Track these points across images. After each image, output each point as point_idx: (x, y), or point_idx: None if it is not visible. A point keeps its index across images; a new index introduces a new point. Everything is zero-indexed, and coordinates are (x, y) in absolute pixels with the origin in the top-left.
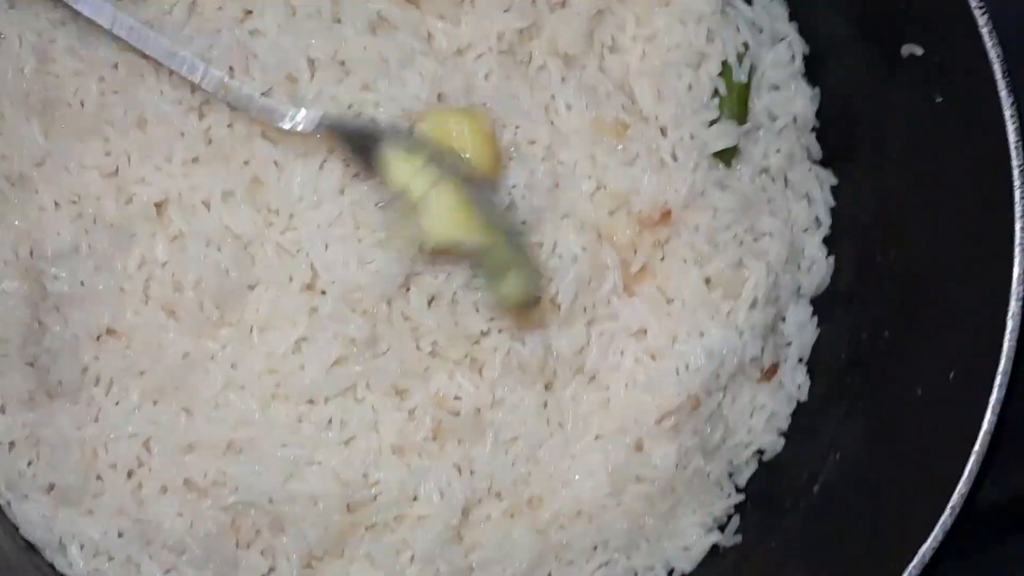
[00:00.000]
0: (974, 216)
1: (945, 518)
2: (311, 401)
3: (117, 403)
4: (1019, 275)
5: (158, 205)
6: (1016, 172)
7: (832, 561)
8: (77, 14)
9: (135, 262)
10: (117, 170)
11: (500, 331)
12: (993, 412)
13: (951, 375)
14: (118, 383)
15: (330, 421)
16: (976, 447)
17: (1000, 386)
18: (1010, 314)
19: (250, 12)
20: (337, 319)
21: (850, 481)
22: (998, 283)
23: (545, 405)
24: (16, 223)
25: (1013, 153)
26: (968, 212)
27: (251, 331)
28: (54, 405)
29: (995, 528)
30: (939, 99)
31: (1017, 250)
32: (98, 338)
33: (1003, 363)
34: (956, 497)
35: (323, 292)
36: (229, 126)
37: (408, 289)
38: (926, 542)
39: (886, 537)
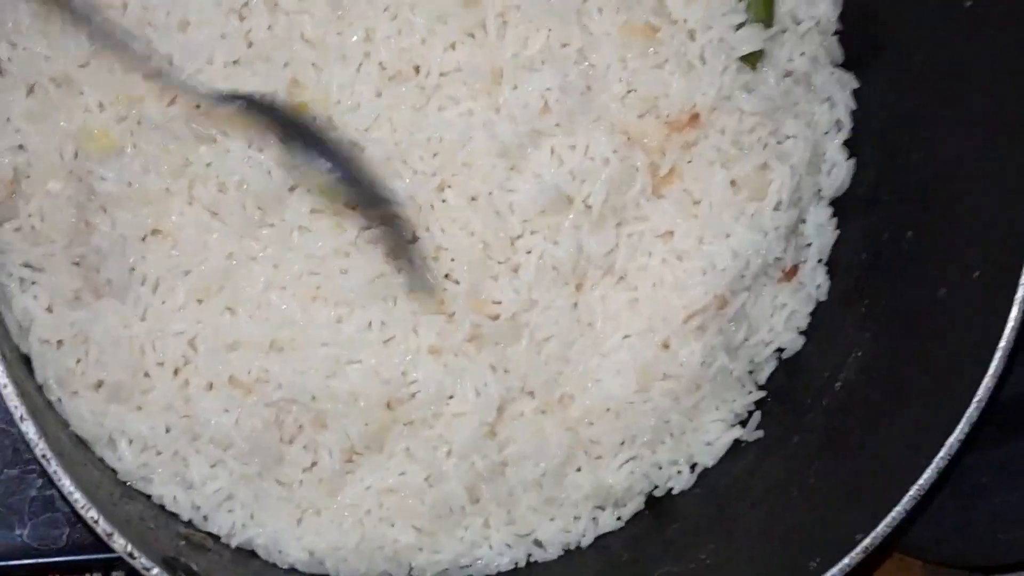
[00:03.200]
0: (999, 119)
1: (971, 411)
2: (350, 304)
3: (164, 302)
4: None
5: (199, 106)
6: None
7: (855, 456)
8: None
9: (180, 163)
10: (160, 72)
11: (533, 232)
12: (1019, 307)
13: (975, 274)
14: (164, 282)
15: (370, 324)
16: (1003, 342)
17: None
18: None
19: None
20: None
21: (872, 379)
22: (1021, 182)
23: (576, 306)
24: (62, 124)
25: None
26: (993, 116)
27: (292, 233)
28: (101, 304)
29: (1015, 422)
30: (968, 3)
31: None
32: (144, 238)
33: None
34: (982, 391)
35: None
36: (269, 28)
37: (448, 187)
38: (952, 434)
39: (910, 433)
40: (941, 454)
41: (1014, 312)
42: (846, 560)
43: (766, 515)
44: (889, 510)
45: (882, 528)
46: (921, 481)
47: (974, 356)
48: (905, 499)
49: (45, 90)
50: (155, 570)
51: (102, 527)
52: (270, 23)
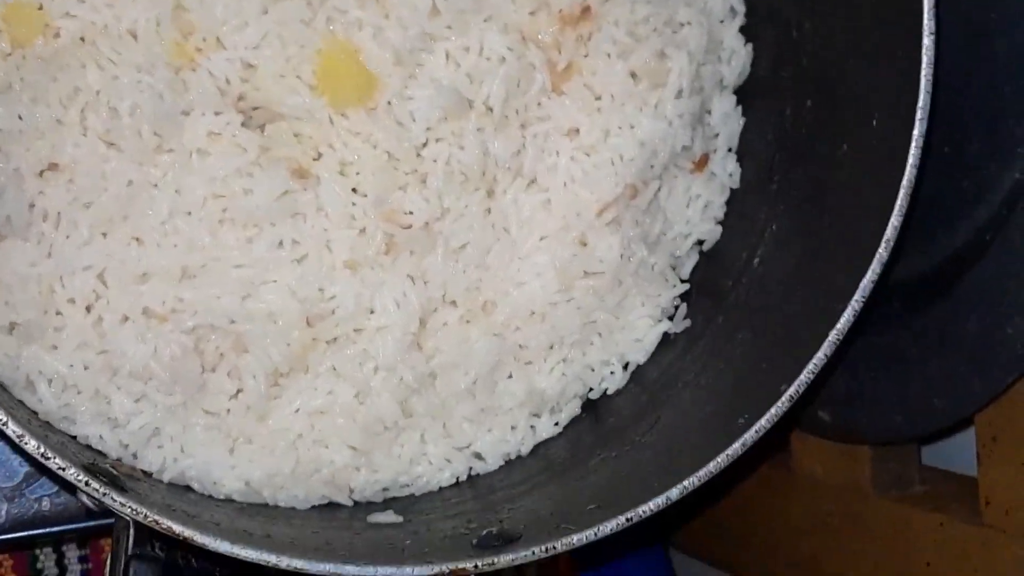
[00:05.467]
0: None
1: (881, 251)
2: (259, 224)
3: (68, 237)
4: (929, 8)
5: (83, 39)
6: None
7: (776, 319)
8: None
9: (69, 92)
10: (41, 6)
11: (438, 140)
12: (917, 146)
13: (873, 122)
14: (66, 217)
15: (281, 242)
16: (904, 180)
17: (921, 120)
18: (924, 48)
19: None
20: (279, 143)
21: (788, 247)
22: (912, 23)
23: (489, 211)
24: None
25: None
26: None
27: (191, 156)
28: (5, 244)
29: (901, 306)
30: None
31: None
32: (41, 173)
33: (922, 97)
34: (890, 230)
35: (259, 128)
36: None
37: None
38: (864, 275)
39: (826, 286)
40: (856, 296)
41: (912, 149)
42: (772, 411)
43: (696, 390)
44: (810, 357)
45: (805, 376)
46: (839, 325)
47: (881, 198)
48: (825, 344)
49: None
50: (71, 470)
51: (12, 428)
52: None
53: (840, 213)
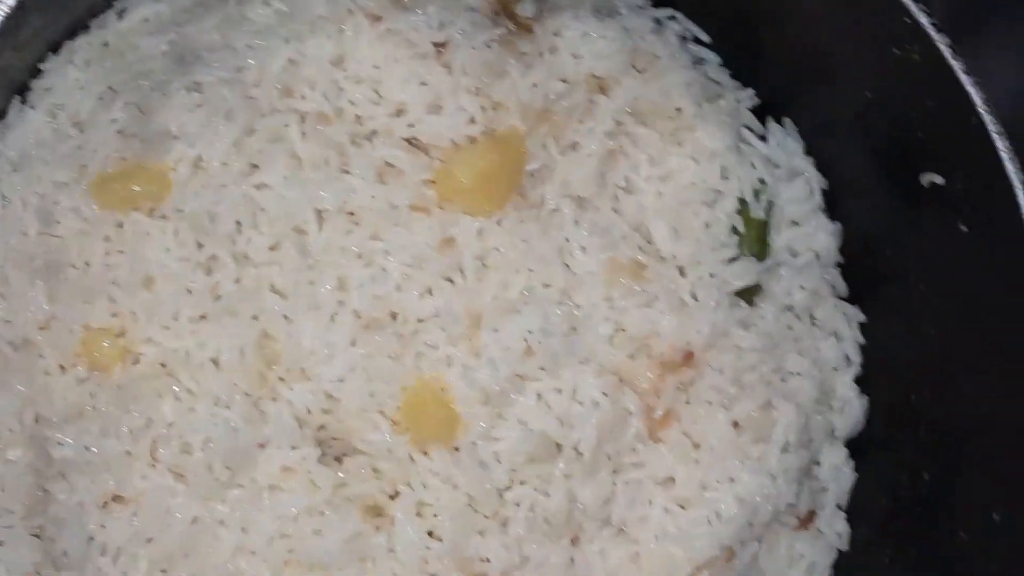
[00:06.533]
0: (1007, 351)
1: None
2: (325, 568)
3: (125, 573)
4: None
5: (164, 365)
6: None
7: None
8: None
9: (141, 424)
10: (124, 331)
11: (522, 483)
12: None
13: (994, 516)
14: (125, 552)
15: None
16: None
17: None
18: None
19: (256, 166)
20: (356, 479)
21: None
22: None
23: (572, 561)
24: (20, 388)
25: None
26: (1000, 346)
27: (262, 492)
28: None
29: None
30: (964, 228)
31: None
32: (104, 505)
33: None
34: None
35: (336, 459)
36: (237, 281)
37: None
38: None
39: None
40: None
41: None
42: None
43: None
44: None
45: None
46: None
47: None
48: None
49: (3, 354)
50: None
51: None
52: (238, 275)
53: None
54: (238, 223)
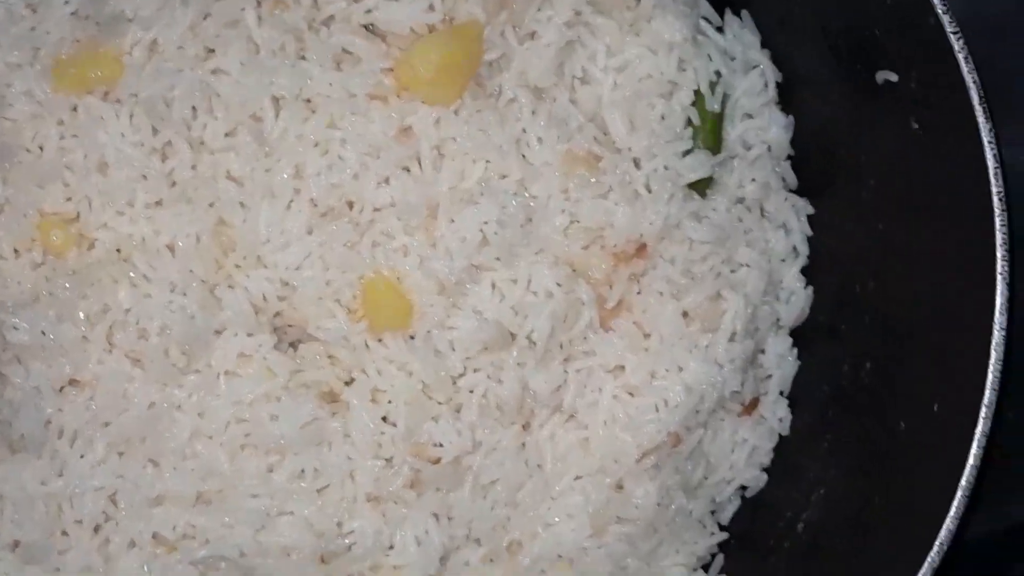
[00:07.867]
0: (954, 246)
1: (933, 555)
2: (281, 451)
3: (82, 456)
4: (1002, 305)
5: (120, 250)
6: (996, 199)
7: None
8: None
9: (98, 309)
10: (78, 216)
11: (475, 371)
12: (979, 445)
13: (935, 407)
14: (82, 435)
15: (303, 471)
16: (963, 481)
17: (985, 418)
18: (993, 344)
19: (212, 51)
20: (311, 365)
21: (835, 519)
22: (980, 313)
23: (523, 446)
24: None
25: (992, 180)
26: (948, 242)
27: (218, 378)
28: (17, 459)
29: (995, 559)
30: (916, 126)
31: (999, 280)
32: (61, 389)
33: (987, 395)
34: (944, 533)
35: (291, 345)
36: (193, 167)
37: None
38: None
39: None
40: None
41: (973, 450)
42: None
43: None
44: None
45: None
46: None
47: (935, 497)
48: None
49: None
50: None
51: None
52: (193, 162)
53: (892, 500)
54: (193, 109)
